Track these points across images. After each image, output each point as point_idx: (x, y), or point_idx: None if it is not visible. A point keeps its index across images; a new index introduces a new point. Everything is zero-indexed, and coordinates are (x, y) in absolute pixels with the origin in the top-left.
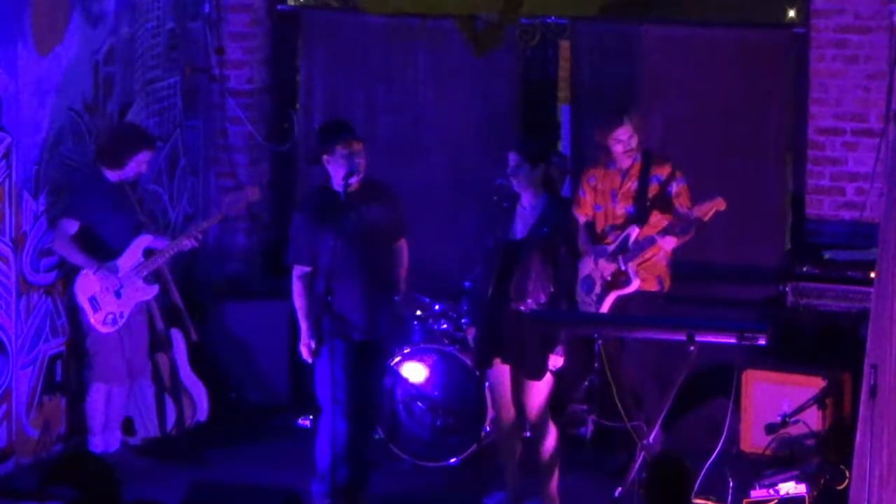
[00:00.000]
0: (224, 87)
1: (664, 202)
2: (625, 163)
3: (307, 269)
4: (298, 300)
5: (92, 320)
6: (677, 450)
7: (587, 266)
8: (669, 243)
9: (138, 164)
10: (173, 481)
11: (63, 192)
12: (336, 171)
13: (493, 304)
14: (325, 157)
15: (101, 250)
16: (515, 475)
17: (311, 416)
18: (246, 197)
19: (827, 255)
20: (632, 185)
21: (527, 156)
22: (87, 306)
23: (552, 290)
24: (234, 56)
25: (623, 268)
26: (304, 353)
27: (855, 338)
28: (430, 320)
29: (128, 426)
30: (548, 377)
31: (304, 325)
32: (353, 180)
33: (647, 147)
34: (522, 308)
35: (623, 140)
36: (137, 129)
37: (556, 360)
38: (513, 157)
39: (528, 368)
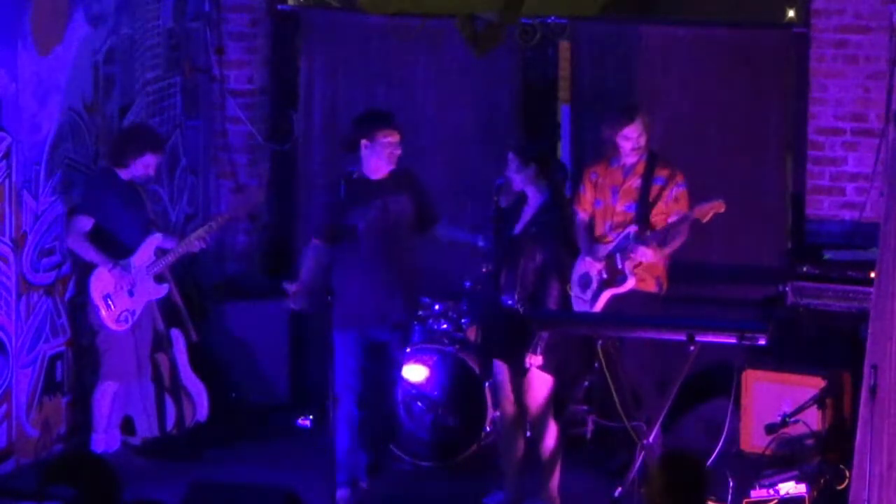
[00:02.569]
0: (224, 87)
1: (663, 205)
2: (630, 160)
3: (323, 244)
4: (306, 263)
5: (105, 318)
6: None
7: (584, 263)
8: (644, 255)
9: (145, 166)
10: (173, 481)
11: (71, 188)
12: (374, 158)
13: (489, 300)
14: (364, 141)
15: (115, 248)
16: (515, 475)
17: (310, 416)
18: (250, 200)
19: (827, 255)
20: (633, 182)
21: (519, 155)
22: (101, 304)
23: (540, 284)
24: (234, 56)
25: (619, 266)
26: (291, 301)
27: (855, 338)
28: (430, 320)
29: (128, 426)
30: (546, 376)
31: (300, 282)
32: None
33: (652, 148)
34: (510, 302)
35: (632, 138)
36: (146, 131)
37: (534, 359)
38: (510, 157)
39: (514, 364)
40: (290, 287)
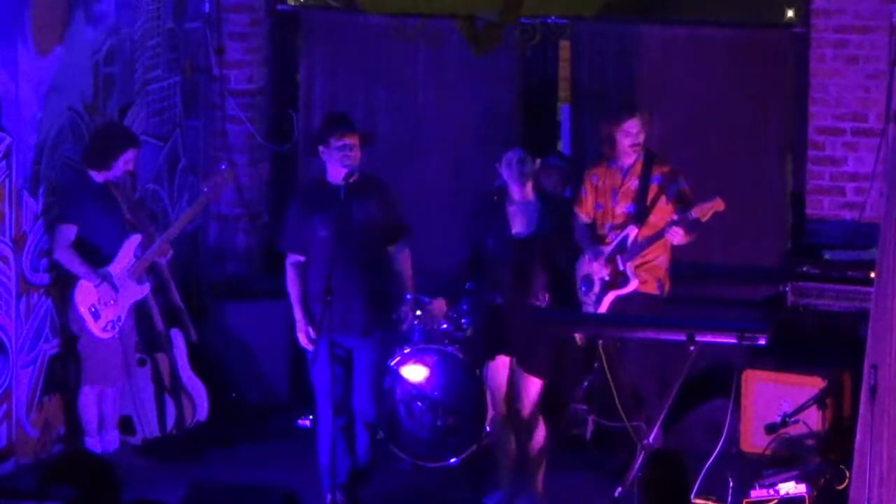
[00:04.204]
0: (224, 87)
1: (664, 203)
2: (629, 158)
3: (300, 257)
4: (291, 288)
5: (92, 328)
6: (675, 447)
7: (586, 265)
8: (676, 235)
9: (125, 163)
10: (173, 481)
11: (56, 195)
12: (331, 164)
13: (500, 301)
14: (321, 147)
15: (95, 253)
16: (511, 474)
17: (310, 416)
18: (218, 183)
19: (827, 255)
20: (632, 183)
21: (533, 153)
22: (87, 315)
23: (556, 285)
24: (234, 56)
25: (621, 268)
26: (302, 339)
27: (855, 338)
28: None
29: (128, 426)
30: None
31: (298, 314)
32: (352, 177)
33: (649, 147)
34: (531, 302)
35: (632, 133)
36: (120, 129)
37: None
38: (517, 153)
39: (533, 365)
40: (305, 333)
